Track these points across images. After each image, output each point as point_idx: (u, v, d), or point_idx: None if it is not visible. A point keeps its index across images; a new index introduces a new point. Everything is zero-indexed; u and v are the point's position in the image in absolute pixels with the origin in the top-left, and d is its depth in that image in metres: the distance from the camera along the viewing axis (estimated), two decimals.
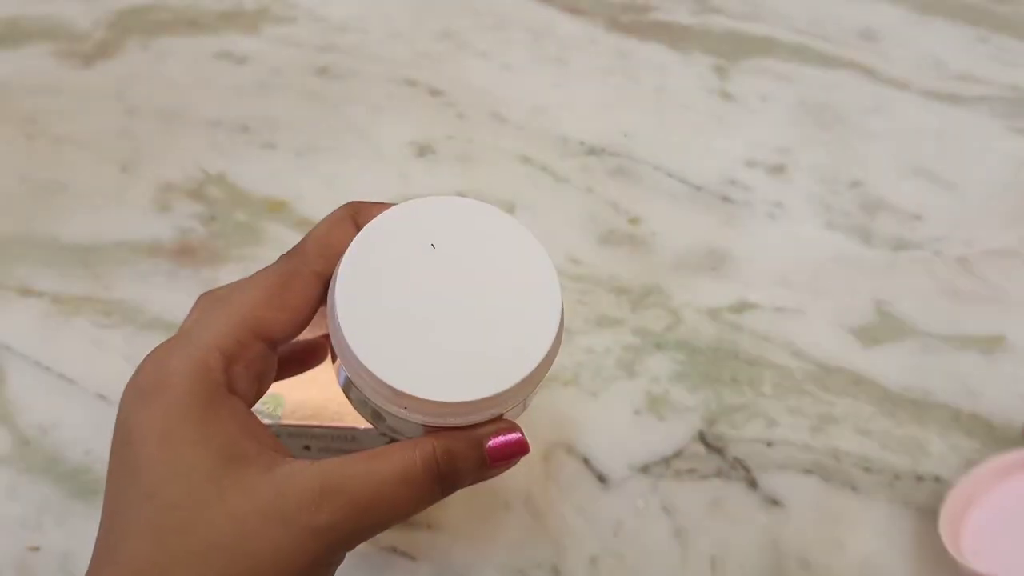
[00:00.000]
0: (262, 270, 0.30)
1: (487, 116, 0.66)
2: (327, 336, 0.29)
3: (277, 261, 0.31)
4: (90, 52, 0.68)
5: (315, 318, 0.31)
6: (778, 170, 0.64)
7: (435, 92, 0.67)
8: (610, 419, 0.53)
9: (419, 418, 0.28)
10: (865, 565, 0.49)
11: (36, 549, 0.49)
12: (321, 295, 0.30)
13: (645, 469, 0.52)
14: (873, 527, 0.51)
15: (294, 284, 0.30)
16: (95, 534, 0.28)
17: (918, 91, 0.69)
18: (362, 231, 0.29)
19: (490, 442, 0.29)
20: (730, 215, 0.62)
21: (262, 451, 0.28)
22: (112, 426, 0.29)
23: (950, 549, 0.47)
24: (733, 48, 0.71)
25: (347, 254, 0.29)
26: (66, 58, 0.68)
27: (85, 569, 0.27)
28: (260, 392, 0.31)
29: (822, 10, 0.73)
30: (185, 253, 0.59)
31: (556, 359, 0.30)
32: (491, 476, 0.30)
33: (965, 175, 0.64)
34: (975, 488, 0.50)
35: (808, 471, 0.52)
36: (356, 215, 0.31)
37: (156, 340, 0.30)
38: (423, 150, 0.64)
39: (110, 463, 0.28)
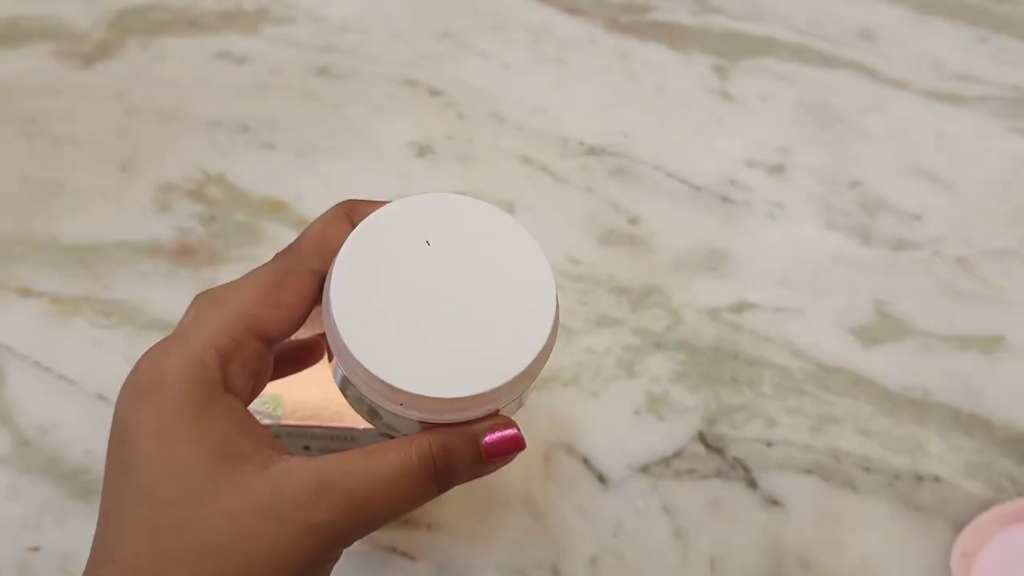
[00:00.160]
0: (257, 268, 0.30)
1: (487, 116, 0.66)
2: (323, 335, 0.29)
3: (272, 259, 0.31)
4: (90, 52, 0.69)
5: (311, 316, 0.31)
6: (778, 170, 0.64)
7: (435, 92, 0.67)
8: (610, 419, 0.53)
9: (415, 415, 0.28)
10: (865, 565, 0.49)
11: (36, 549, 0.49)
12: (317, 293, 0.30)
13: (645, 469, 0.52)
14: (873, 527, 0.50)
15: (289, 282, 0.30)
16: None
17: (918, 91, 0.69)
18: (357, 228, 0.29)
19: (486, 438, 0.29)
20: (730, 215, 0.62)
21: (258, 449, 0.28)
22: None
23: None
24: (733, 48, 0.71)
25: (342, 251, 0.29)
26: (66, 58, 0.68)
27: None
28: (256, 391, 0.31)
29: (822, 10, 0.73)
30: (185, 253, 0.59)
31: (552, 355, 0.30)
32: (488, 472, 0.30)
33: (965, 175, 0.64)
34: (989, 528, 0.50)
35: (808, 471, 0.52)
36: (351, 213, 0.31)
37: (156, 340, 0.30)
38: (423, 150, 0.64)
39: (107, 462, 0.28)
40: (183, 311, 0.31)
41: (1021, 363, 0.56)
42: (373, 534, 0.48)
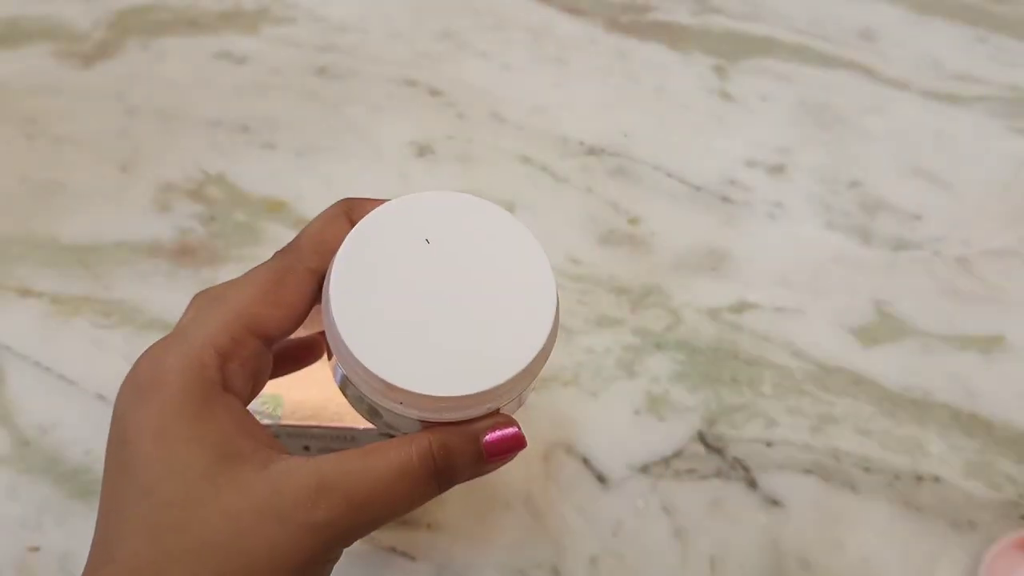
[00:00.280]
0: (257, 267, 0.30)
1: (487, 116, 0.66)
2: (323, 333, 0.29)
3: (272, 258, 0.31)
4: (90, 52, 0.69)
5: (311, 315, 0.31)
6: (778, 170, 0.64)
7: (435, 92, 0.67)
8: (610, 419, 0.53)
9: (415, 413, 0.28)
10: (865, 565, 0.49)
11: (36, 549, 0.49)
12: (316, 292, 0.30)
13: (645, 469, 0.52)
14: (873, 527, 0.50)
15: (288, 281, 0.30)
16: None
17: (917, 91, 0.69)
18: (356, 227, 0.29)
19: (487, 437, 0.29)
20: (730, 215, 0.62)
21: (257, 448, 0.28)
22: None
23: None
24: (733, 48, 0.71)
25: (341, 250, 0.29)
26: (66, 58, 0.68)
27: None
28: (256, 390, 0.31)
29: (822, 10, 0.73)
30: (185, 253, 0.59)
31: (552, 355, 0.29)
32: (488, 471, 0.30)
33: (964, 175, 0.64)
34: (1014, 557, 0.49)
35: (808, 471, 0.52)
36: (350, 211, 0.31)
37: (155, 340, 0.30)
38: (423, 150, 0.64)
39: (106, 461, 0.28)
40: (183, 311, 0.31)
41: (1021, 363, 0.56)
42: (373, 534, 0.48)
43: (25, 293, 0.57)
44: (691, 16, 0.73)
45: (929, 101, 0.68)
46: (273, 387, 0.41)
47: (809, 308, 0.58)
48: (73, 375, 0.54)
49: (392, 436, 0.30)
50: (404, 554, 0.49)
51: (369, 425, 0.32)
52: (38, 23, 0.70)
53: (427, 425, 0.29)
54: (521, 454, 0.30)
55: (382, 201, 0.30)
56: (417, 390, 0.27)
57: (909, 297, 0.58)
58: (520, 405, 0.32)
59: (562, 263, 0.59)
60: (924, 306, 0.58)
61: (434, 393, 0.27)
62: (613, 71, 0.70)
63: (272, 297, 0.29)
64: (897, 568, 0.49)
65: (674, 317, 0.57)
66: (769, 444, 0.53)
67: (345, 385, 0.30)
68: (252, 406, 0.30)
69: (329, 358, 0.31)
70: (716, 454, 0.52)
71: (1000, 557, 0.49)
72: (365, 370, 0.27)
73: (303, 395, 0.42)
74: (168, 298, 0.56)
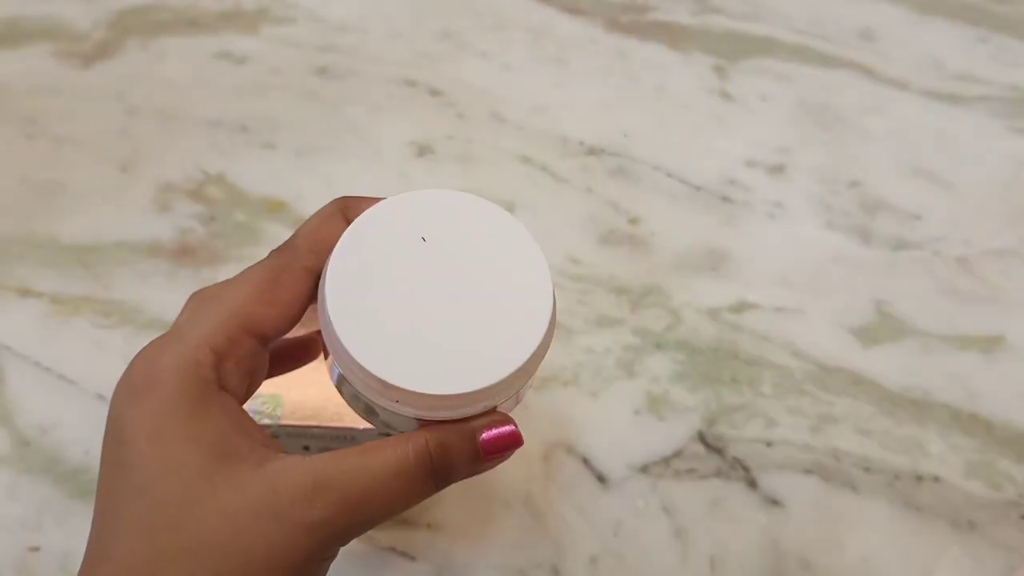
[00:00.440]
0: (252, 266, 0.30)
1: (487, 116, 0.66)
2: (319, 332, 0.29)
3: (267, 257, 0.31)
4: (90, 52, 0.69)
5: (307, 314, 0.31)
6: (778, 170, 0.64)
7: (435, 92, 0.67)
8: (610, 419, 0.53)
9: (411, 412, 0.28)
10: (865, 565, 0.49)
11: (36, 549, 0.48)
12: (312, 290, 0.30)
13: (645, 469, 0.52)
14: (873, 527, 0.50)
15: (284, 279, 0.30)
16: None
17: (918, 91, 0.69)
18: (352, 225, 0.29)
19: (483, 435, 0.29)
20: (730, 215, 0.62)
21: (253, 447, 0.28)
22: None
23: None
24: (733, 48, 0.71)
25: (337, 248, 0.29)
26: (66, 58, 0.68)
27: None
28: (252, 389, 0.31)
29: (822, 10, 0.73)
30: (185, 253, 0.59)
31: (552, 355, 0.29)
32: (485, 469, 0.30)
33: (964, 175, 0.64)
34: None
35: (808, 471, 0.52)
36: (346, 209, 0.31)
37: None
38: (423, 150, 0.64)
39: (102, 461, 0.28)
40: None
41: (1021, 363, 0.56)
42: (372, 534, 0.48)
43: (25, 293, 0.57)
44: (691, 16, 0.73)
45: (929, 101, 0.68)
46: (272, 387, 0.41)
47: (809, 308, 0.58)
48: (73, 375, 0.54)
49: (389, 435, 0.30)
50: (403, 554, 0.49)
51: (369, 425, 0.32)
52: (38, 23, 0.70)
53: (424, 423, 0.29)
54: (521, 454, 0.30)
55: (378, 199, 0.30)
56: (413, 388, 0.27)
57: (909, 297, 0.58)
58: (518, 403, 0.32)
59: (562, 263, 0.59)
60: (924, 306, 0.58)
61: (430, 391, 0.27)
62: (613, 71, 0.69)
63: (268, 296, 0.29)
64: (897, 568, 0.49)
65: (674, 317, 0.57)
66: (769, 444, 0.53)
67: (341, 383, 0.30)
68: (252, 406, 0.30)
69: (325, 357, 0.31)
70: (716, 454, 0.52)
71: None
72: (361, 368, 0.27)
73: (303, 395, 0.42)
74: (168, 298, 0.56)
